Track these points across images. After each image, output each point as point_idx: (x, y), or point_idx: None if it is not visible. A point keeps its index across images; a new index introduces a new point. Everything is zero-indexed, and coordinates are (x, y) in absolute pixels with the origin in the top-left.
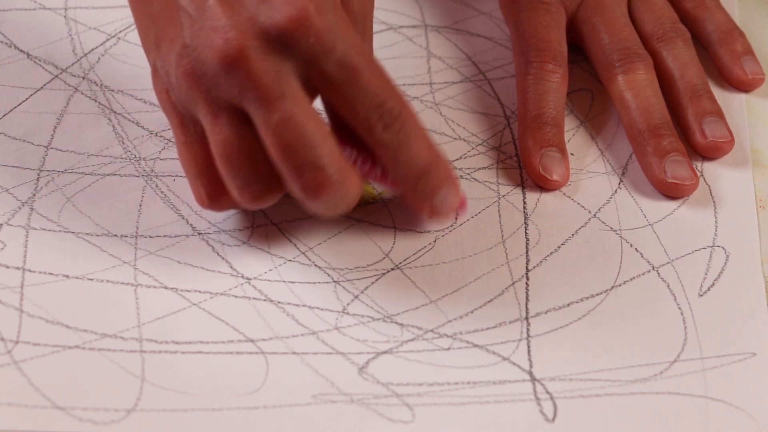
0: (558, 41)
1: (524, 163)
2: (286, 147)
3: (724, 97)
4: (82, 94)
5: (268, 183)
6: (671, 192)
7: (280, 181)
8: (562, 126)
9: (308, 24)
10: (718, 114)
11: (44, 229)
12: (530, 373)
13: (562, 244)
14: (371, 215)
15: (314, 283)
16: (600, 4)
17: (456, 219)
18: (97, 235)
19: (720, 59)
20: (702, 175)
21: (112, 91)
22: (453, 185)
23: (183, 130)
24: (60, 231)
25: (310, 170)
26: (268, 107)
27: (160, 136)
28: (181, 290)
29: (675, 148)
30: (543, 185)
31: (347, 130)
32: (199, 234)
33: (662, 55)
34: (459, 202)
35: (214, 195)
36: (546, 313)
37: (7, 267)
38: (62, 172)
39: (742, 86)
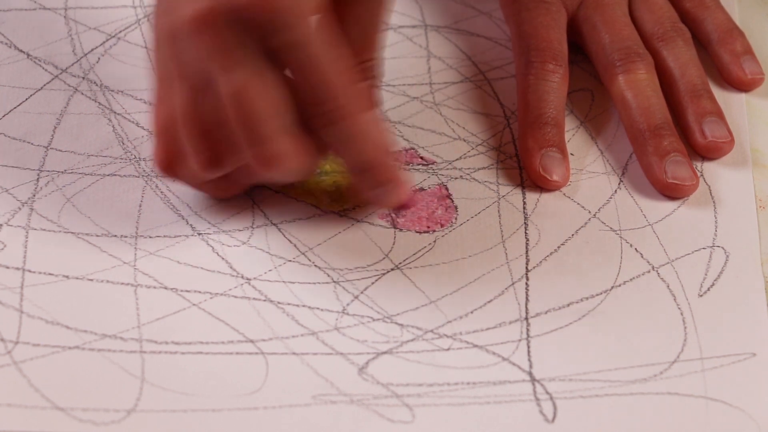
0: (558, 41)
1: (524, 164)
2: (237, 117)
3: (724, 97)
4: (82, 94)
5: (218, 153)
6: (671, 192)
7: (231, 153)
8: (563, 126)
9: None
10: (718, 114)
11: (44, 230)
12: (530, 374)
13: (562, 245)
14: (371, 215)
15: (314, 283)
16: (600, 4)
17: (399, 212)
18: (97, 236)
19: (720, 59)
20: (702, 175)
21: (112, 91)
22: (395, 186)
23: (161, 86)
24: (60, 231)
25: (258, 143)
26: (226, 74)
27: None
28: (181, 290)
29: (675, 148)
30: (543, 186)
31: None
32: (199, 234)
33: (662, 55)
34: (405, 200)
35: (168, 158)
36: (546, 313)
37: (7, 267)
38: (62, 172)
39: (742, 86)
